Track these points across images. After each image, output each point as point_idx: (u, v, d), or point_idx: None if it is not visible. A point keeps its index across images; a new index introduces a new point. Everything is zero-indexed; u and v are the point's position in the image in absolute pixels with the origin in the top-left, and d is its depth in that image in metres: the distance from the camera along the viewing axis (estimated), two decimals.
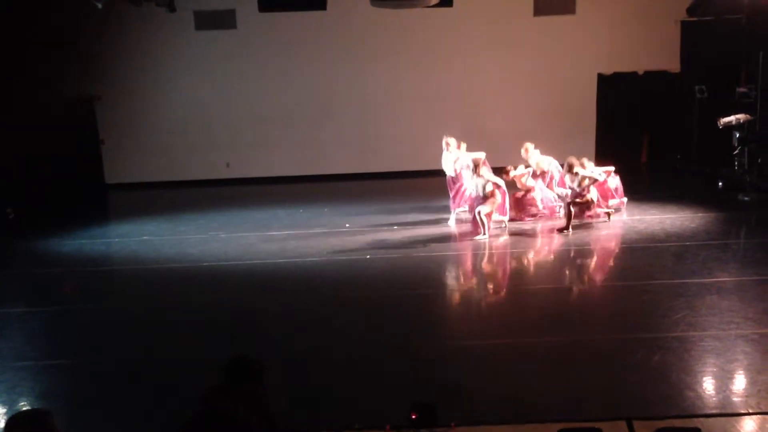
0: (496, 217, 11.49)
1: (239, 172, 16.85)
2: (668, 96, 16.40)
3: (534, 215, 12.06)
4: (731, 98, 14.44)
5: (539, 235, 11.34)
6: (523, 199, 12.10)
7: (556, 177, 12.25)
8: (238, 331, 7.59)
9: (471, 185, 11.52)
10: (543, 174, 12.20)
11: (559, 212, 12.06)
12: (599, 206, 11.70)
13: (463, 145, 12.09)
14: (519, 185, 12.11)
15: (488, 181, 11.17)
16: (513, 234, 11.38)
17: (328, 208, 13.59)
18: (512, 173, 11.90)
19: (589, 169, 11.49)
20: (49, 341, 7.68)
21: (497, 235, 11.28)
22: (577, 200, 11.32)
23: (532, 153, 12.21)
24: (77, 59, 15.77)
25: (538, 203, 12.06)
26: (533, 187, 12.04)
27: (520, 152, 12.07)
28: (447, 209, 12.27)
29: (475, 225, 11.27)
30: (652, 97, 16.47)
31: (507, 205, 11.65)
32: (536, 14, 16.38)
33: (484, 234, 10.98)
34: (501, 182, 11.36)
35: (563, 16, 16.39)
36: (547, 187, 12.24)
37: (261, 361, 4.38)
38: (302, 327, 7.87)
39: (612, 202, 12.14)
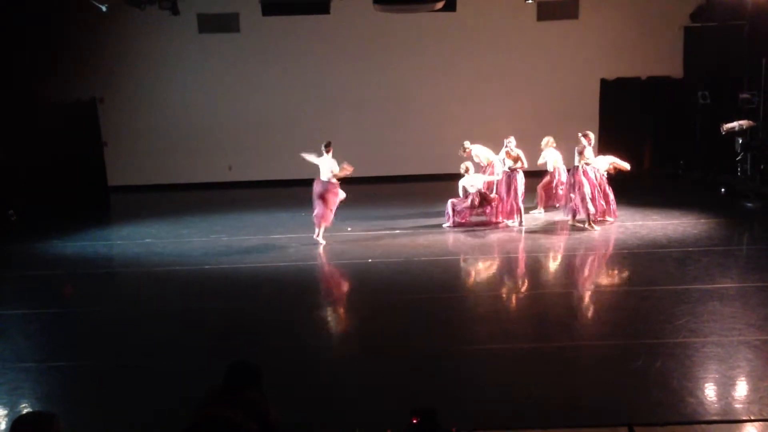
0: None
1: (241, 175, 16.86)
2: (671, 102, 16.38)
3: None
4: (734, 104, 14.44)
5: (540, 239, 11.33)
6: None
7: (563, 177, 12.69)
8: (239, 334, 7.58)
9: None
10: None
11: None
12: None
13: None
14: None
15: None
16: (510, 239, 11.38)
17: None
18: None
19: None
20: (50, 343, 7.68)
21: (496, 239, 11.29)
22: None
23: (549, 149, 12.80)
24: (81, 61, 15.80)
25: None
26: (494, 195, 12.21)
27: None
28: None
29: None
30: (654, 102, 16.47)
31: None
32: (539, 19, 16.40)
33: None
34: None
35: (566, 21, 16.41)
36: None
37: (259, 366, 4.38)
38: (303, 330, 7.86)
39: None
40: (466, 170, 12.12)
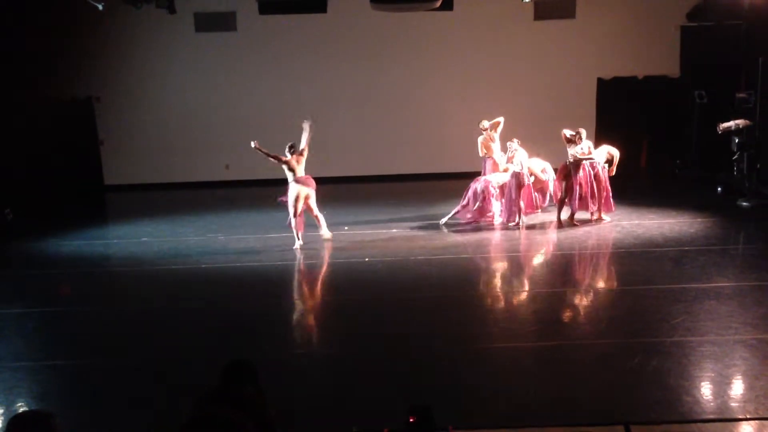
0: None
1: (238, 174, 16.82)
2: (668, 101, 16.39)
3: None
4: (731, 104, 14.45)
5: (537, 238, 11.35)
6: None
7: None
8: (236, 333, 7.58)
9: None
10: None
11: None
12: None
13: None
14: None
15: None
16: (508, 238, 11.39)
17: (326, 210, 13.57)
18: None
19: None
20: (47, 342, 7.68)
21: (494, 238, 11.30)
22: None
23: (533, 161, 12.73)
24: (77, 60, 15.77)
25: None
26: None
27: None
28: (445, 213, 12.29)
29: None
30: (651, 101, 16.46)
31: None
32: (536, 18, 16.38)
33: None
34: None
35: (563, 21, 16.40)
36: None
37: (256, 365, 4.37)
38: (300, 329, 7.87)
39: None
40: (505, 170, 12.16)
